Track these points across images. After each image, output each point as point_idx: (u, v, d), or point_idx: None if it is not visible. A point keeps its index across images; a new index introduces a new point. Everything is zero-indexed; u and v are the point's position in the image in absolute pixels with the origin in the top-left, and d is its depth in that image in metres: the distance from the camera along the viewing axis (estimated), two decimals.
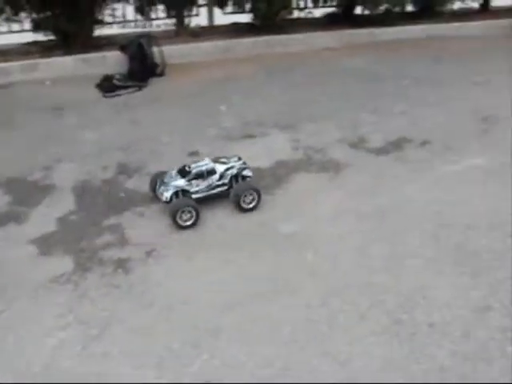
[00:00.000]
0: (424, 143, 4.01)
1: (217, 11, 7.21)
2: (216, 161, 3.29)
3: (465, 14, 8.09)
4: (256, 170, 3.63)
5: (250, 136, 4.21)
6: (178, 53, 6.18)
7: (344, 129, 4.26)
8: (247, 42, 6.61)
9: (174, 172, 3.24)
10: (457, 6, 8.20)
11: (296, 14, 7.50)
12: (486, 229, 2.93)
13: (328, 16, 7.66)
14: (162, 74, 5.77)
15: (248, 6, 6.99)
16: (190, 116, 4.68)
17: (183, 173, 3.20)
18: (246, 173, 3.30)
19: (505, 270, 2.59)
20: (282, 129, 4.31)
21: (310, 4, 7.67)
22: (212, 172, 3.20)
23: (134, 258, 2.84)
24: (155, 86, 5.53)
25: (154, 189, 3.28)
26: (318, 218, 3.10)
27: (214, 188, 3.22)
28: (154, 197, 3.31)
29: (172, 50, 6.12)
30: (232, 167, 3.26)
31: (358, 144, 4.00)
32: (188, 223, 3.04)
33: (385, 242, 2.84)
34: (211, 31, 6.92)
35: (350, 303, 2.43)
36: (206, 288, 2.59)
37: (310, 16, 7.57)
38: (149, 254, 2.87)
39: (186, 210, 3.01)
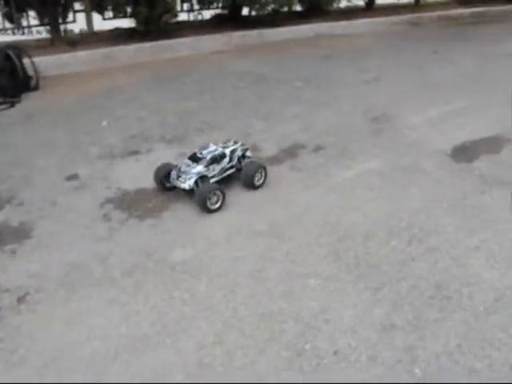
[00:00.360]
0: (318, 148, 3.92)
1: (96, 17, 6.83)
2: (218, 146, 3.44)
3: (351, 12, 8.24)
4: (141, 192, 3.38)
5: (135, 152, 3.94)
6: (54, 63, 5.77)
7: (236, 138, 4.07)
8: (130, 48, 6.30)
9: (187, 161, 3.31)
10: (343, 4, 8.34)
11: (185, 16, 7.28)
12: (384, 238, 2.85)
13: (215, 18, 7.49)
14: (36, 88, 5.34)
15: (129, 11, 6.66)
16: (69, 134, 4.32)
17: (196, 159, 3.30)
18: (247, 153, 3.52)
19: (406, 282, 2.51)
20: (169, 142, 4.07)
21: (196, 6, 7.46)
22: (223, 156, 3.37)
23: (3, 307, 2.49)
24: (29, 101, 5.10)
25: (160, 180, 3.33)
26: (211, 241, 2.89)
27: (225, 171, 3.39)
28: (161, 188, 3.35)
29: (48, 61, 5.71)
30: (236, 149, 3.45)
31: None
32: (216, 206, 3.14)
33: (281, 263, 2.68)
34: (91, 38, 6.55)
35: (247, 337, 2.24)
36: (87, 335, 2.30)
37: (198, 18, 7.38)
38: (21, 300, 2.53)
39: (214, 194, 3.12)
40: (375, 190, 3.35)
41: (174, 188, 3.32)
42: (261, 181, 3.39)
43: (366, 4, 8.59)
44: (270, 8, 7.05)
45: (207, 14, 7.64)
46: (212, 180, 3.29)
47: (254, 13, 7.19)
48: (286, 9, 7.57)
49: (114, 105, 4.91)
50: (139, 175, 3.60)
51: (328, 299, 2.42)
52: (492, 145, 4.06)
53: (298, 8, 7.91)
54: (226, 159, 3.37)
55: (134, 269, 2.71)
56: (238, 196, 3.31)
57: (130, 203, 3.28)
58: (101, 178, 3.59)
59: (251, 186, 3.35)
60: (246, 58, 6.19)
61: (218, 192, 3.13)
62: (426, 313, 2.33)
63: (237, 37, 6.79)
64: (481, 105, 4.95)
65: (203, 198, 3.08)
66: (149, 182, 3.47)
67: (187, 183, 3.19)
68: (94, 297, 2.53)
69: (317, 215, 3.07)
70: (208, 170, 3.27)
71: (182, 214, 3.14)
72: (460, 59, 6.48)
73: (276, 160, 3.75)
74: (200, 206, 3.12)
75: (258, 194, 3.32)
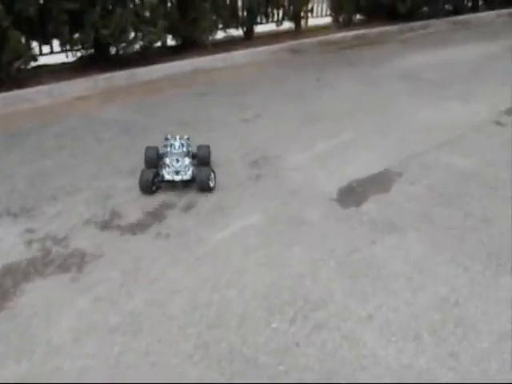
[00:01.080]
0: (189, 206, 3.51)
1: None
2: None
3: (230, 43, 7.99)
4: None
5: None
6: None
7: (94, 203, 3.59)
8: None
9: (170, 158, 3.80)
10: (221, 35, 8.09)
11: (46, 59, 6.68)
12: (263, 318, 2.47)
13: (81, 59, 6.96)
14: None
15: None
16: None
17: (167, 153, 3.90)
18: (189, 141, 4.13)
19: (289, 377, 2.13)
20: (15, 216, 3.50)
21: (57, 48, 6.88)
22: (188, 146, 4.05)
23: None
24: None
25: (149, 186, 3.66)
26: (54, 347, 2.38)
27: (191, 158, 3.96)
28: (149, 193, 3.66)
29: None
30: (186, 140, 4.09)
31: (109, 222, 3.35)
32: (213, 184, 3.70)
33: (138, 369, 2.22)
34: None
35: None
36: None
37: (75, 57, 6.79)
38: None
39: (211, 174, 3.70)
40: (254, 253, 2.98)
41: (157, 190, 3.72)
42: (211, 158, 4.04)
43: (245, 33, 8.38)
44: (138, 45, 6.63)
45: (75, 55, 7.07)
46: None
47: (122, 51, 6.72)
48: (159, 44, 7.19)
49: None
50: None
51: None
52: (381, 182, 3.85)
53: (172, 42, 7.55)
54: (190, 148, 4.04)
55: None
56: (91, 281, 2.81)
57: None
58: None
59: (208, 163, 3.95)
60: (113, 104, 5.71)
61: (212, 172, 3.71)
62: None
63: (103, 79, 6.29)
64: (367, 135, 4.78)
65: (206, 179, 3.63)
66: None
67: (188, 174, 3.69)
68: None
69: (184, 296, 2.64)
70: (190, 160, 3.86)
71: (20, 313, 2.60)
72: (344, 85, 6.37)
73: (140, 227, 3.30)
74: (203, 189, 3.66)
75: (116, 275, 2.83)
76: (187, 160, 3.80)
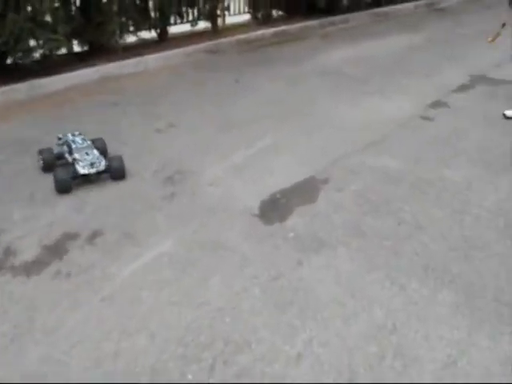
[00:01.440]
0: (94, 236, 3.17)
1: None
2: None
3: (142, 47, 7.62)
4: None
5: None
6: None
7: None
8: None
9: (79, 153, 3.81)
10: (132, 39, 7.71)
11: None
12: (177, 368, 2.18)
13: None
14: None
15: None
16: None
17: (72, 149, 3.88)
18: None
19: None
20: None
21: None
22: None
23: None
24: None
25: (66, 185, 3.64)
26: None
27: None
28: (66, 191, 3.62)
29: None
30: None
31: (1, 263, 2.96)
32: None
33: None
34: None
35: None
36: None
37: None
38: None
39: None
40: (167, 288, 2.68)
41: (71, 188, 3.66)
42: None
43: (158, 36, 8.02)
44: (38, 54, 6.15)
45: None
46: None
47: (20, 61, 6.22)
48: (63, 51, 6.72)
49: None
50: None
51: None
52: (306, 191, 3.65)
53: (78, 49, 7.10)
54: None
55: None
56: None
57: None
58: None
59: (106, 155, 3.97)
60: (10, 120, 5.23)
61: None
62: None
63: (0, 93, 5.80)
64: (289, 138, 4.57)
65: (121, 167, 3.80)
66: None
67: (102, 165, 3.74)
68: None
69: (86, 349, 2.32)
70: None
71: None
72: (264, 85, 6.15)
73: (37, 265, 2.92)
74: (118, 177, 3.78)
75: (4, 328, 2.46)
76: (96, 152, 3.85)
